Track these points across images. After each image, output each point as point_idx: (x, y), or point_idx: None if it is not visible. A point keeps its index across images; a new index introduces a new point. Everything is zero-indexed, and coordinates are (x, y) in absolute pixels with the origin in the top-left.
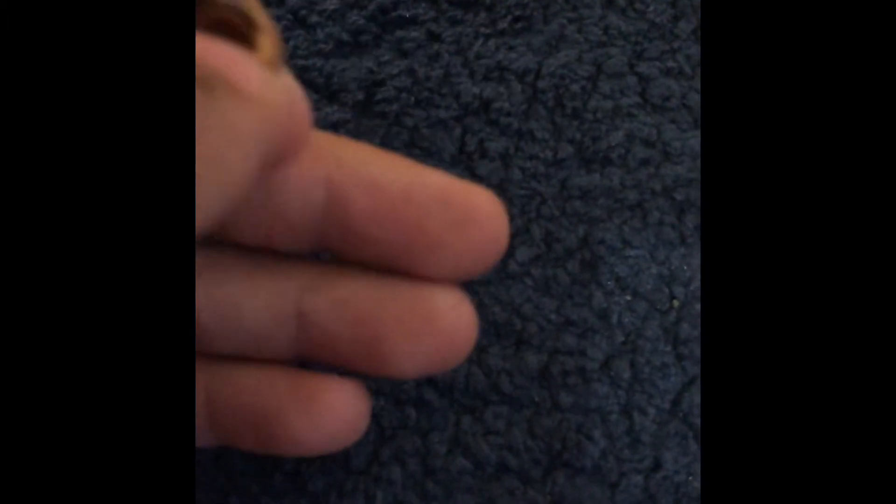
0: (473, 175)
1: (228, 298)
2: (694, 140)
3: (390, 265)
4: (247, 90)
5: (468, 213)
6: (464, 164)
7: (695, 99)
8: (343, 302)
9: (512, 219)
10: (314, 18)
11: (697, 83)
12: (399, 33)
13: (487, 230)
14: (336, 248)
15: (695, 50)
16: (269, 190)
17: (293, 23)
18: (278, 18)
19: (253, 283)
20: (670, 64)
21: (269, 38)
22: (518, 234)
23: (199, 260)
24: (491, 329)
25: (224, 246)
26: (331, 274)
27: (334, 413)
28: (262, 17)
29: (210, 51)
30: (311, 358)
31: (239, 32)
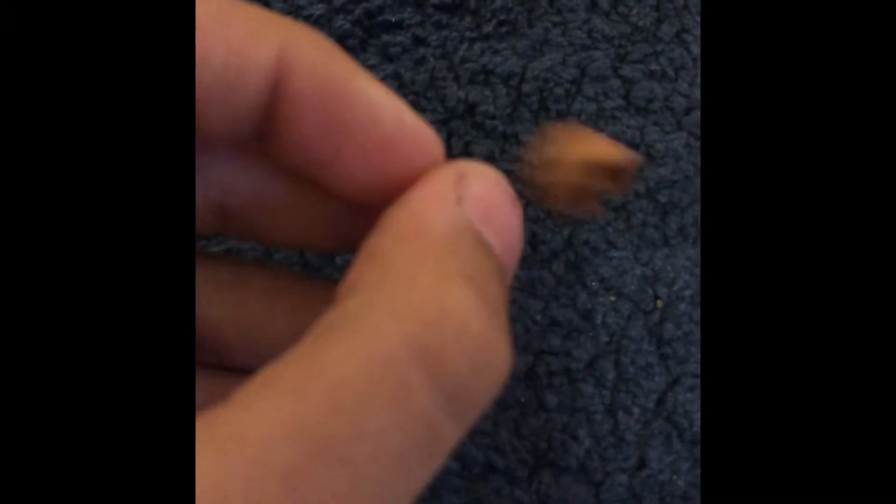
0: None
1: (252, 315)
2: (677, 142)
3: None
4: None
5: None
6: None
7: (678, 101)
8: None
9: None
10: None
11: (680, 85)
12: (385, 38)
13: None
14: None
15: (678, 53)
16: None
17: None
18: None
19: (278, 302)
20: (653, 67)
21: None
22: None
23: (226, 276)
24: None
25: (248, 264)
26: None
27: None
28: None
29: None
30: None
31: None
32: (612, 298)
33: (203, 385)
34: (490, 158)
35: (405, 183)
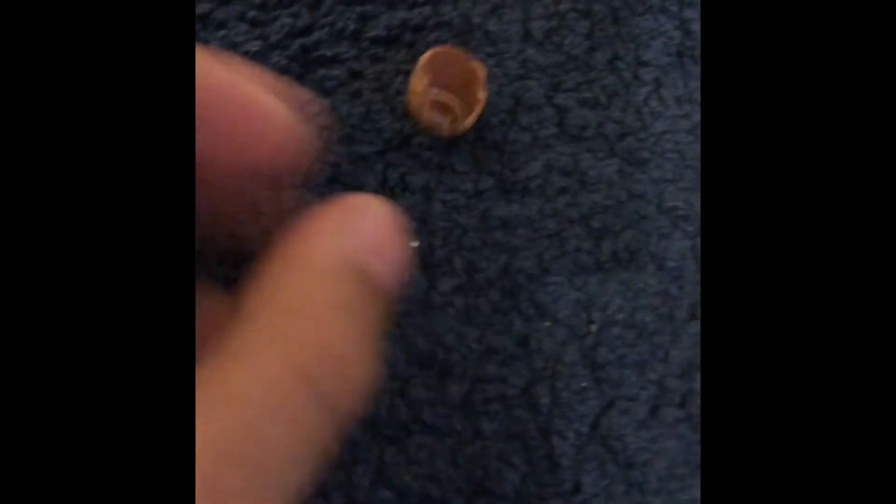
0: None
1: None
2: (610, 168)
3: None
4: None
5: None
6: (386, 199)
7: (611, 128)
8: None
9: (434, 251)
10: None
11: (613, 112)
12: (321, 72)
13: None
14: None
15: (611, 80)
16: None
17: None
18: None
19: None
20: (586, 94)
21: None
22: (440, 265)
23: None
24: (414, 360)
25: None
26: None
27: None
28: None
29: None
30: None
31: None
32: (547, 324)
33: None
34: (426, 189)
35: (264, 159)
